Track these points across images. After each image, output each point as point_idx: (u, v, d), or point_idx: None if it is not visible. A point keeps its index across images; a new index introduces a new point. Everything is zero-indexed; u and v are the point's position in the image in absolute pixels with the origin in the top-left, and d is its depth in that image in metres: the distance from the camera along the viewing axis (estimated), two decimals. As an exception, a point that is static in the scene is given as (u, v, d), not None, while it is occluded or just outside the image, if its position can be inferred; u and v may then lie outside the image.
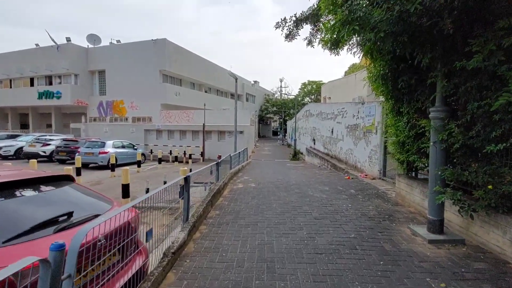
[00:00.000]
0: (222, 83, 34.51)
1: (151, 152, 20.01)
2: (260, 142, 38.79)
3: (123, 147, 16.66)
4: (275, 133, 55.25)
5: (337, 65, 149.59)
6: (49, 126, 28.83)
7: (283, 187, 6.74)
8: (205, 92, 31.31)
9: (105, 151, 14.96)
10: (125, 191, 6.80)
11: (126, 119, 24.90)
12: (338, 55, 4.95)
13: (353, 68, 37.73)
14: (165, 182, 8.24)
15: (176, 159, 16.69)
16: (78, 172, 10.28)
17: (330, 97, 26.46)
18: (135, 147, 17.65)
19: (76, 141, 17.16)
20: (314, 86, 47.70)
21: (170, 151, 19.32)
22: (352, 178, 7.95)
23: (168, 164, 17.87)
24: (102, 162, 14.57)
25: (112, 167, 12.20)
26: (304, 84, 49.68)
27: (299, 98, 49.72)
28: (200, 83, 29.87)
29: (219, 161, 7.14)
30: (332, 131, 12.18)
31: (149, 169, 15.30)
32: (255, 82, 50.80)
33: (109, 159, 14.85)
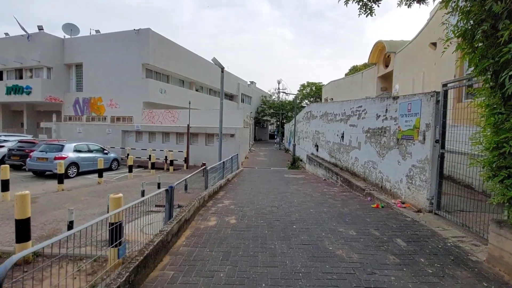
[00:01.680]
0: (215, 81, 31.94)
1: (127, 157, 17.28)
2: (256, 146, 36.22)
3: (89, 151, 13.94)
4: (272, 136, 52.76)
5: (334, 70, 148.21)
6: (23, 125, 25.98)
7: (281, 228, 4.14)
8: (196, 90, 28.75)
9: (63, 156, 12.25)
10: (22, 231, 4.14)
11: (105, 118, 22.17)
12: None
13: (354, 71, 35.48)
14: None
15: (153, 166, 14.00)
16: (4, 186, 7.62)
17: (332, 98, 24.04)
18: (106, 151, 14.95)
19: (34, 143, 14.42)
20: (313, 88, 45.36)
21: (150, 156, 16.63)
22: (382, 207, 5.38)
23: (144, 172, 15.16)
24: (57, 169, 11.85)
25: (60, 178, 9.49)
26: (303, 85, 47.32)
27: (297, 101, 47.36)
28: (190, 81, 27.30)
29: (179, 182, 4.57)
30: (343, 136, 9.65)
31: (116, 179, 12.59)
32: (252, 82, 48.38)
33: (68, 166, 12.15)
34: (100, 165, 11.04)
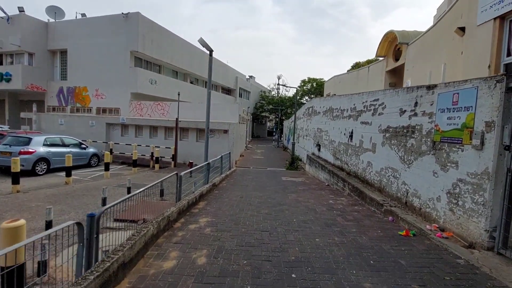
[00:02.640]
0: (212, 74, 30.24)
1: (111, 152, 15.76)
2: (253, 143, 34.75)
3: (63, 145, 12.39)
4: (270, 133, 51.27)
5: (334, 69, 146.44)
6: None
7: (272, 279, 2.67)
8: (191, 83, 27.12)
9: (29, 150, 10.71)
10: None
11: (90, 110, 20.55)
12: None
13: (356, 68, 33.92)
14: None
15: (135, 163, 12.49)
16: None
17: (335, 95, 22.52)
18: (84, 146, 13.41)
19: (2, 135, 12.86)
20: (314, 84, 43.75)
21: (134, 153, 15.10)
22: (413, 235, 3.92)
23: (127, 169, 13.65)
24: (23, 166, 10.30)
25: (15, 177, 7.97)
26: (303, 81, 45.65)
27: (297, 97, 45.77)
28: (184, 72, 25.66)
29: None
30: (351, 136, 8.18)
31: (91, 178, 11.07)
32: (251, 77, 46.68)
33: (35, 161, 10.64)
34: (68, 162, 9.50)
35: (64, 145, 12.34)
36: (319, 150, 12.53)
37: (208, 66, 7.96)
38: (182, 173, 5.18)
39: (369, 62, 29.04)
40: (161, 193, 6.48)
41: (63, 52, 21.84)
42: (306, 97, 45.05)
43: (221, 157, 9.67)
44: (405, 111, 5.31)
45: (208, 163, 7.15)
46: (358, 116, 7.75)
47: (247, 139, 29.76)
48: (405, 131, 5.24)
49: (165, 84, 21.58)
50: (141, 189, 4.32)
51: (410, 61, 14.07)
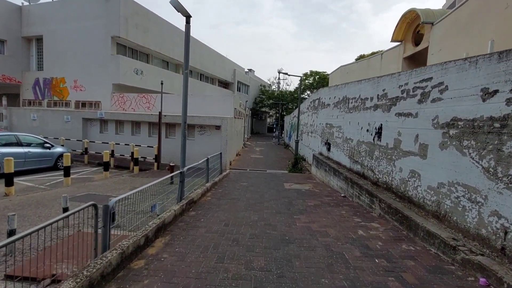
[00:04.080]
0: (208, 66, 28.08)
1: (85, 152, 13.65)
2: (252, 140, 32.62)
3: (19, 144, 10.24)
4: (270, 129, 49.08)
5: (336, 64, 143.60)
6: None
7: None
8: (184, 74, 24.83)
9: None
10: None
11: (68, 103, 18.37)
12: None
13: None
14: None
15: (106, 166, 10.34)
16: None
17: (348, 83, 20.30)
18: (49, 145, 11.27)
19: None
20: (317, 77, 41.39)
21: (112, 151, 13.00)
22: None
23: (99, 173, 11.51)
24: None
25: None
26: (305, 74, 43.19)
27: (301, 87, 43.42)
28: (176, 62, 23.40)
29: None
30: (379, 133, 6.05)
31: (48, 185, 8.94)
32: (250, 70, 44.38)
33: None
34: (9, 168, 7.33)
35: (20, 145, 10.21)
36: (328, 149, 10.40)
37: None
38: (133, 191, 3.11)
39: (373, 54, 26.74)
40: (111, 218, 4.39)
41: (40, 40, 19.57)
42: (308, 92, 42.68)
43: (207, 160, 7.54)
44: (495, 92, 3.16)
45: (181, 173, 5.01)
46: (391, 106, 5.59)
47: (246, 136, 27.62)
48: (497, 125, 3.10)
49: (154, 75, 19.35)
50: (47, 222, 2.35)
51: (436, 44, 11.84)
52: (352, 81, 8.46)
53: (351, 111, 8.13)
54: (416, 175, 4.56)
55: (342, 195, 7.26)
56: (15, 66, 19.32)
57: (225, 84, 34.42)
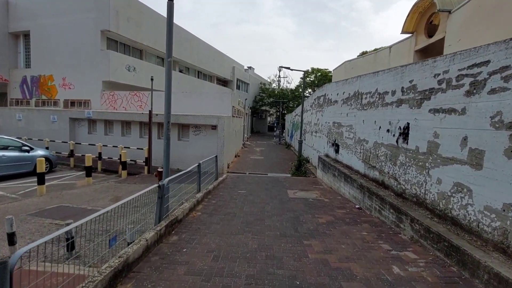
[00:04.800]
0: (206, 63, 26.98)
1: (71, 154, 12.60)
2: (252, 139, 31.55)
3: (-9, 147, 9.16)
4: (271, 128, 47.96)
5: (337, 62, 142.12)
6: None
7: None
8: (180, 71, 23.79)
9: None
10: None
11: (56, 102, 17.30)
12: None
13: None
14: None
15: (89, 172, 9.26)
16: None
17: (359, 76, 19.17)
18: (27, 148, 10.23)
19: None
20: (318, 74, 40.22)
21: (99, 153, 11.95)
22: None
23: (81, 178, 10.45)
24: None
25: None
26: (306, 72, 41.89)
27: (300, 90, 42.35)
28: (173, 59, 22.21)
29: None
30: (405, 133, 4.98)
31: (19, 194, 7.88)
32: (249, 68, 43.24)
33: None
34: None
35: (-7, 148, 9.16)
36: (336, 151, 9.32)
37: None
38: (95, 215, 2.01)
39: (376, 50, 25.58)
40: (70, 247, 3.36)
41: (27, 35, 18.49)
42: (310, 90, 41.53)
43: (199, 166, 6.47)
44: None
45: (160, 187, 3.94)
46: (423, 100, 4.51)
47: (245, 136, 26.54)
48: None
49: (148, 71, 18.23)
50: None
51: (454, 34, 10.71)
52: (366, 73, 7.36)
53: (365, 108, 7.04)
54: (465, 190, 3.48)
55: (357, 206, 6.19)
56: (2, 63, 18.27)
57: (224, 82, 33.32)
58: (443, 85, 4.03)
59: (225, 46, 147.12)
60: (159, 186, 3.91)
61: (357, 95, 7.64)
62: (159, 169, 8.13)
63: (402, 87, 5.21)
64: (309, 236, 4.16)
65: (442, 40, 11.53)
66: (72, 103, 16.78)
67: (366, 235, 4.23)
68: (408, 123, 4.94)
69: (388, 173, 5.54)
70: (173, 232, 4.11)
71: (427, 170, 4.28)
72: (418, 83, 4.70)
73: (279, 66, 34.56)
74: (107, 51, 15.74)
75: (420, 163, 4.46)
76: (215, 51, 29.18)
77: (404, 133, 5.03)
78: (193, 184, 6.73)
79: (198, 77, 26.95)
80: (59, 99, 17.20)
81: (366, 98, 7.01)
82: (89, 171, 9.19)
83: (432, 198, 4.13)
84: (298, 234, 4.23)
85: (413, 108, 4.77)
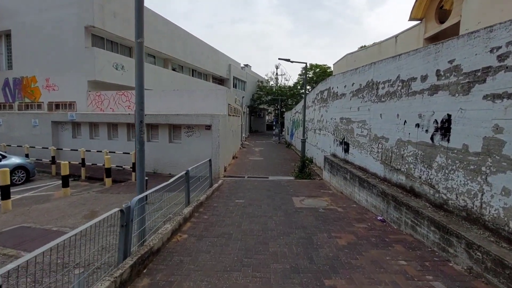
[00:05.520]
0: (201, 60, 25.86)
1: (53, 161, 11.49)
2: (251, 139, 30.46)
3: (-47, 157, 8.02)
4: (270, 127, 46.88)
5: (333, 60, 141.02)
6: None
7: None
8: (173, 70, 22.66)
9: None
10: None
11: (40, 105, 16.16)
12: None
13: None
14: None
15: (66, 181, 8.14)
16: None
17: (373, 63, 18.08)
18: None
19: None
20: (317, 70, 39.13)
21: (83, 159, 10.85)
22: None
23: (57, 188, 9.33)
24: None
25: None
26: (304, 68, 40.82)
27: (298, 87, 41.28)
28: (164, 57, 21.21)
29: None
30: (444, 128, 3.93)
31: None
32: (246, 65, 42.12)
33: None
34: None
35: (-45, 157, 8.04)
36: (345, 150, 8.25)
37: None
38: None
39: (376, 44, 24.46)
40: None
41: (9, 36, 17.32)
42: (308, 87, 40.42)
43: (187, 174, 5.38)
44: None
45: (122, 211, 2.85)
46: (472, 85, 3.43)
47: (243, 135, 25.45)
48: None
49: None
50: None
51: (472, 17, 9.63)
52: (382, 59, 6.29)
53: (382, 99, 5.97)
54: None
55: (379, 218, 5.11)
56: (-19, 65, 17.10)
57: (220, 81, 32.20)
58: (509, 61, 2.95)
59: (221, 46, 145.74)
60: (121, 211, 2.81)
61: (371, 86, 6.56)
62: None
63: (438, 70, 4.13)
64: (330, 270, 3.08)
65: (455, 26, 10.48)
66: (57, 106, 15.63)
67: (405, 266, 3.16)
68: (448, 115, 3.87)
69: (420, 177, 4.47)
70: (144, 270, 3.02)
71: (484, 176, 3.21)
72: (463, 63, 3.62)
73: (278, 58, 33.40)
74: (92, 49, 14.59)
75: (472, 167, 3.39)
76: (210, 49, 28.05)
77: (444, 128, 3.95)
78: (171, 202, 5.66)
79: (192, 75, 25.83)
80: (43, 102, 16.04)
81: (383, 88, 5.93)
82: (66, 181, 8.08)
83: (495, 215, 3.06)
84: (315, 267, 3.16)
85: (457, 95, 3.70)
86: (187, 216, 4.80)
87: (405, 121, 4.98)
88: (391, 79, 5.61)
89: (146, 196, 6.01)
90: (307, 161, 11.33)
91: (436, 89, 4.15)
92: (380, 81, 6.12)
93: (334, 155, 9.53)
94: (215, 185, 7.94)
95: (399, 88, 5.24)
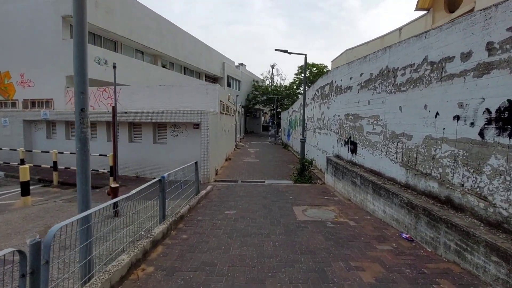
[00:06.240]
0: (193, 58, 24.67)
1: (22, 162, 10.15)
2: (246, 140, 29.35)
3: None
4: (265, 128, 45.80)
5: (328, 62, 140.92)
6: None
7: None
8: (163, 66, 21.44)
9: None
10: None
11: (14, 103, 14.79)
12: None
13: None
14: None
15: (25, 189, 6.90)
16: None
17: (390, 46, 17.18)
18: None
19: None
20: (314, 69, 38.21)
21: (55, 163, 9.60)
22: None
23: (35, 191, 8.08)
24: None
25: None
26: (301, 67, 39.95)
27: (294, 87, 40.33)
28: (154, 53, 19.99)
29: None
30: (501, 118, 2.92)
31: None
32: (241, 64, 41.03)
33: None
34: None
35: None
36: (352, 151, 7.20)
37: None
38: None
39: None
40: None
41: (-18, 27, 15.91)
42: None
43: (161, 181, 4.25)
44: None
45: (20, 252, 1.73)
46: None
47: (238, 136, 24.31)
48: None
49: (123, 65, 15.86)
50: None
51: (487, 3, 8.73)
52: (401, 40, 5.25)
53: (402, 88, 4.92)
54: None
55: (405, 236, 4.05)
56: (-50, 60, 15.62)
57: (213, 79, 31.03)
58: None
59: (216, 47, 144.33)
60: (19, 251, 1.67)
61: (387, 74, 5.52)
62: (112, 185, 5.86)
63: (490, 43, 3.09)
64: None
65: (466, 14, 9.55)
66: (33, 103, 14.29)
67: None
68: (509, 101, 2.83)
69: (462, 185, 3.42)
70: None
71: None
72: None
73: (275, 49, 32.40)
74: (70, 41, 13.30)
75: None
76: (203, 46, 26.88)
77: (501, 119, 2.91)
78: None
79: (184, 73, 24.62)
80: (17, 99, 14.68)
81: (404, 74, 4.89)
82: (25, 189, 6.84)
83: None
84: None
85: (527, 72, 2.65)
86: (159, 237, 3.66)
87: (437, 113, 3.94)
88: (414, 63, 4.57)
89: (116, 210, 4.85)
90: (307, 163, 10.27)
91: (487, 68, 3.11)
92: (398, 67, 5.08)
93: (338, 156, 8.48)
94: (203, 192, 6.80)
95: (427, 72, 4.20)
